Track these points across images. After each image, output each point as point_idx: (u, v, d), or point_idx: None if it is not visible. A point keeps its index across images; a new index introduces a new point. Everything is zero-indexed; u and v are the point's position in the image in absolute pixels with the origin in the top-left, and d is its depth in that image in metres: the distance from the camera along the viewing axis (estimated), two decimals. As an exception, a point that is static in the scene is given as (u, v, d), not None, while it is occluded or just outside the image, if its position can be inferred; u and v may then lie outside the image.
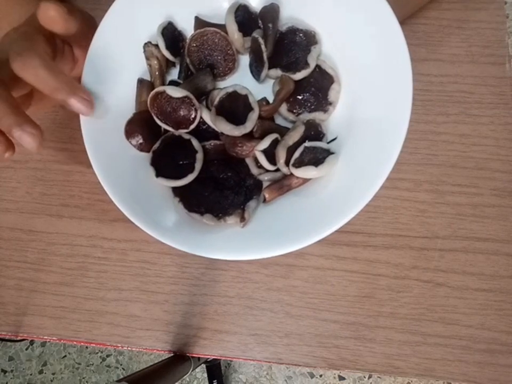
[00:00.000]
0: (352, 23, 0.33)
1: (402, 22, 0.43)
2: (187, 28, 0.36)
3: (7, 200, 0.42)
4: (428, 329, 0.37)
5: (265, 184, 0.33)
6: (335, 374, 1.09)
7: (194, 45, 0.35)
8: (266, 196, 0.32)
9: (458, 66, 0.43)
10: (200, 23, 0.36)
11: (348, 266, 0.39)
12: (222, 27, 0.35)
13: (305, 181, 0.32)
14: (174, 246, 0.30)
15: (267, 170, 0.33)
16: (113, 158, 0.32)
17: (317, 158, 0.31)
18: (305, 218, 0.31)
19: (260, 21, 0.35)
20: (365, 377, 1.08)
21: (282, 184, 0.32)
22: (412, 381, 1.07)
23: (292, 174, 0.32)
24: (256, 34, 0.33)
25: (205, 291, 0.39)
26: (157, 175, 0.32)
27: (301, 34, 0.34)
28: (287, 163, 0.32)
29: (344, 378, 1.09)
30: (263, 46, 0.33)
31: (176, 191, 0.33)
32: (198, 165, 0.32)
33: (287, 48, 0.35)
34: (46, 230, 0.41)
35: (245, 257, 0.30)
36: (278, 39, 0.35)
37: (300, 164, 0.31)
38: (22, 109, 0.28)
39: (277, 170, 0.33)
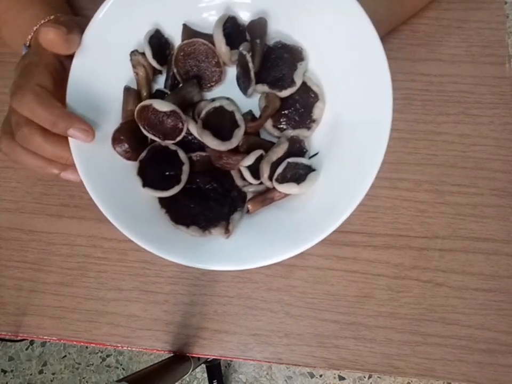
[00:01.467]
0: (337, 39, 0.33)
1: (403, 22, 0.44)
2: (174, 35, 0.36)
3: (7, 200, 0.42)
4: (428, 329, 0.37)
5: (249, 196, 0.34)
6: (335, 374, 1.09)
7: (182, 54, 0.35)
8: (250, 207, 0.33)
9: (458, 66, 0.43)
10: (188, 31, 0.36)
11: (348, 266, 0.39)
12: (210, 37, 0.35)
13: (288, 194, 0.33)
14: (159, 254, 0.31)
15: (251, 183, 0.34)
16: (101, 166, 0.33)
17: (299, 174, 0.33)
18: (286, 232, 0.32)
19: (247, 34, 0.35)
20: (365, 377, 1.08)
21: (266, 197, 0.34)
22: (411, 381, 1.07)
23: (274, 188, 0.33)
24: (244, 49, 0.33)
25: (205, 291, 0.39)
26: (144, 185, 0.32)
27: (288, 50, 0.35)
28: (270, 178, 0.33)
29: (344, 378, 1.09)
30: (250, 64, 0.33)
31: (163, 202, 0.33)
32: (184, 177, 0.33)
33: (274, 63, 0.35)
34: (46, 230, 0.41)
35: (227, 268, 0.31)
36: (265, 53, 0.35)
37: (282, 179, 0.32)
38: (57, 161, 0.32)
39: (261, 183, 0.34)
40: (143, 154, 0.33)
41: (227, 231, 0.32)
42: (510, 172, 0.40)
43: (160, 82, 0.37)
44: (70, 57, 0.33)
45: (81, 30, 0.33)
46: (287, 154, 0.33)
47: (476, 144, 0.41)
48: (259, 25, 0.35)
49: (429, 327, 0.37)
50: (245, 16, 0.36)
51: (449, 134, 0.41)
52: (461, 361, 0.36)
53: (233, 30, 0.35)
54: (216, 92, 0.36)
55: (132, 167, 0.33)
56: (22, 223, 0.42)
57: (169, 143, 0.33)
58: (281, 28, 0.35)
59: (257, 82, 0.34)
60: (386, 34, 0.43)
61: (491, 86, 0.42)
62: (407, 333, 0.37)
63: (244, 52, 0.33)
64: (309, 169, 0.33)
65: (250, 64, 0.33)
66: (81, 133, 0.30)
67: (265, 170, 0.32)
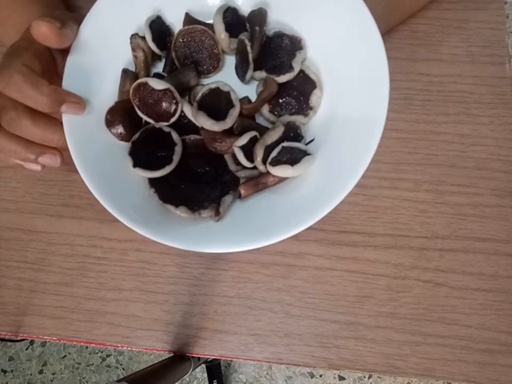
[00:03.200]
0: (337, 31, 0.34)
1: (403, 22, 0.44)
2: (175, 23, 0.37)
3: (7, 200, 0.42)
4: (428, 329, 0.37)
5: (242, 181, 0.34)
6: (335, 374, 1.09)
7: (181, 40, 0.35)
8: (242, 191, 0.33)
9: (458, 66, 0.43)
10: (189, 19, 0.36)
11: (348, 266, 0.39)
12: (211, 26, 0.35)
13: (281, 179, 0.33)
14: (143, 233, 0.30)
15: (244, 167, 0.33)
16: (93, 145, 0.32)
17: (294, 158, 0.32)
18: (278, 216, 0.32)
19: (247, 25, 0.36)
20: (365, 377, 1.08)
21: (258, 182, 0.33)
22: (411, 381, 1.07)
23: (268, 172, 0.33)
24: (243, 36, 0.34)
25: (205, 291, 0.39)
26: (134, 166, 0.32)
27: (287, 39, 0.35)
28: (264, 161, 0.32)
29: (344, 378, 1.09)
30: (249, 48, 0.33)
31: (152, 182, 0.33)
32: (176, 158, 0.33)
33: (273, 51, 0.35)
34: (46, 230, 0.41)
35: (216, 250, 0.31)
36: (265, 42, 0.35)
37: (276, 162, 0.32)
38: (30, 141, 0.31)
39: (254, 167, 0.33)
40: (136, 135, 0.33)
41: (217, 214, 0.31)
42: (510, 171, 0.40)
43: (159, 68, 0.37)
44: (62, 49, 0.33)
45: (77, 24, 0.33)
46: (282, 139, 0.33)
47: (476, 144, 0.41)
48: (259, 15, 0.35)
49: (429, 327, 0.37)
50: (245, 8, 0.36)
51: (449, 134, 0.41)
52: (461, 361, 0.36)
53: (233, 19, 0.35)
54: (213, 79, 0.37)
55: (124, 147, 0.33)
56: (22, 223, 0.42)
57: (163, 124, 0.33)
58: (282, 19, 0.36)
59: (255, 69, 0.35)
60: (386, 33, 0.43)
61: (491, 86, 0.42)
62: (407, 333, 0.37)
63: (243, 38, 0.33)
64: (304, 154, 0.33)
65: (249, 48, 0.33)
66: (73, 106, 0.30)
67: (259, 152, 0.32)
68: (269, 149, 0.32)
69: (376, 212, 0.40)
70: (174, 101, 0.32)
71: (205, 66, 0.36)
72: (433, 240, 0.39)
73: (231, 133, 0.33)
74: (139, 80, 0.32)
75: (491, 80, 0.42)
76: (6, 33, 0.38)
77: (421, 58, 0.43)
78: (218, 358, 0.38)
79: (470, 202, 0.39)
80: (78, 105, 0.31)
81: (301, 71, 0.35)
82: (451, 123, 0.41)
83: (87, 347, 1.15)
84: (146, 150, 0.33)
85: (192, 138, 0.34)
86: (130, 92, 0.32)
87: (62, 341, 0.39)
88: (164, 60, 0.37)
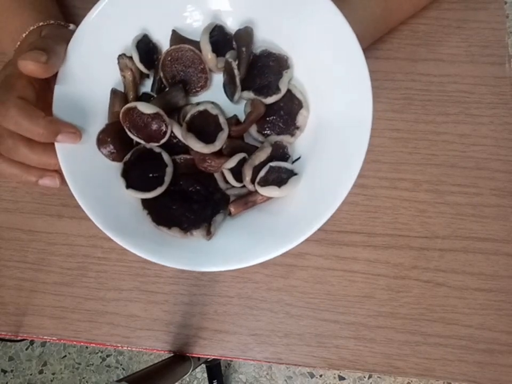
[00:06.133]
0: (321, 49, 0.34)
1: (403, 22, 0.44)
2: (162, 40, 0.37)
3: (7, 200, 0.42)
4: (428, 329, 0.37)
5: (232, 199, 0.35)
6: (335, 374, 1.09)
7: (169, 59, 0.35)
8: (232, 210, 0.34)
9: (458, 66, 0.43)
10: (176, 37, 0.36)
11: (348, 266, 0.39)
12: (198, 44, 0.35)
13: (270, 197, 0.34)
14: (137, 253, 0.31)
15: (234, 186, 0.34)
16: (86, 168, 0.33)
17: (281, 177, 0.33)
18: (267, 233, 0.32)
19: (234, 43, 0.36)
20: (365, 377, 1.08)
21: (248, 200, 0.34)
22: (411, 381, 1.07)
23: (257, 191, 0.33)
24: (230, 57, 0.34)
25: (205, 291, 0.39)
26: (127, 187, 0.32)
27: (273, 58, 0.35)
28: (252, 181, 0.33)
29: (344, 378, 1.09)
30: (236, 71, 0.33)
31: (145, 203, 0.34)
32: (168, 179, 0.33)
33: (260, 71, 0.36)
34: (46, 230, 0.41)
35: (206, 269, 0.31)
36: (252, 61, 0.36)
37: (264, 182, 0.33)
38: (29, 165, 0.32)
39: (243, 186, 0.34)
40: (128, 156, 0.34)
41: (209, 233, 0.32)
42: (510, 171, 0.40)
43: (147, 86, 0.37)
44: None
45: (66, 43, 0.33)
46: (270, 159, 0.34)
47: (475, 144, 0.41)
48: (245, 34, 0.35)
49: (429, 327, 0.37)
50: (232, 25, 0.36)
51: (449, 134, 0.41)
52: (461, 361, 0.36)
53: (220, 38, 0.35)
54: (202, 97, 0.37)
55: (116, 168, 0.34)
56: (22, 223, 0.42)
57: (153, 145, 0.34)
58: (268, 37, 0.36)
59: (243, 89, 0.35)
60: (386, 34, 0.43)
61: (491, 86, 0.42)
62: (407, 333, 0.37)
63: (230, 60, 0.34)
64: (291, 173, 0.33)
65: (236, 71, 0.33)
66: (69, 136, 0.31)
67: (247, 173, 0.33)
68: (257, 169, 0.33)
69: (376, 212, 0.40)
70: (164, 124, 0.33)
71: (193, 85, 0.36)
72: (433, 240, 0.39)
73: (221, 153, 0.34)
74: (128, 105, 0.32)
75: (491, 80, 0.42)
76: (1, 42, 0.38)
77: (421, 58, 0.43)
78: (218, 358, 0.38)
79: (470, 202, 0.39)
80: (74, 135, 0.31)
81: (288, 91, 0.35)
82: (451, 123, 0.41)
83: (87, 347, 1.15)
84: (138, 170, 0.33)
85: (182, 158, 0.34)
86: (120, 116, 0.33)
87: (62, 341, 0.39)
88: (151, 77, 0.37)
